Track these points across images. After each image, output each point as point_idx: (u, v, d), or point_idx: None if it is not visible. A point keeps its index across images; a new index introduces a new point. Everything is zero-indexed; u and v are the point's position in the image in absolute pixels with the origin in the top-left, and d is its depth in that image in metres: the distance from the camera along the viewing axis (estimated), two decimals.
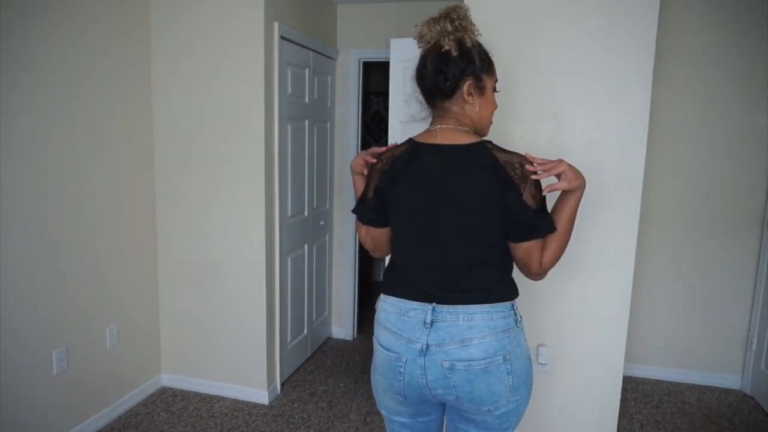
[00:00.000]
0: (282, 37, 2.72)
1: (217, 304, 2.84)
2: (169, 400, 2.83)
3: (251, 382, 2.84)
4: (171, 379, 2.97)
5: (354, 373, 3.22)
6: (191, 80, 2.69)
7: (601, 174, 1.95)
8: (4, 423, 2.06)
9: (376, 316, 1.35)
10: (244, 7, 2.56)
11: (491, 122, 1.31)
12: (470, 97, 1.23)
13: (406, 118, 2.62)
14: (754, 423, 2.74)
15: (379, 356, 1.31)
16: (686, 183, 3.05)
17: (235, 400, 2.84)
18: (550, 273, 1.29)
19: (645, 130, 1.92)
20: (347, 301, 3.76)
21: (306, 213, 3.24)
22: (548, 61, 1.96)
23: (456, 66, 1.20)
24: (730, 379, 3.11)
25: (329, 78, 3.46)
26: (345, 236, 3.71)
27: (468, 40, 1.21)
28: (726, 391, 3.06)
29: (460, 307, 1.21)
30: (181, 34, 2.67)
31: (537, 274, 1.25)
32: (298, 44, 2.93)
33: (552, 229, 1.21)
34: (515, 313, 1.26)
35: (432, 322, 1.22)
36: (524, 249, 1.21)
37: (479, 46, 1.24)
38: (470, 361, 1.19)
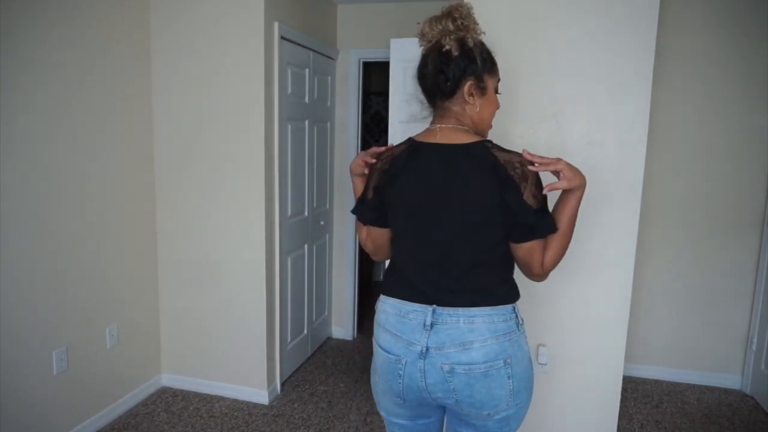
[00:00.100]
0: (282, 37, 2.72)
1: (217, 304, 2.84)
2: (169, 400, 2.83)
3: (251, 382, 2.84)
4: (171, 379, 2.97)
5: (354, 373, 3.22)
6: (191, 80, 2.69)
7: (601, 174, 1.95)
8: (4, 423, 2.06)
9: (376, 317, 1.34)
10: (244, 7, 2.56)
11: (491, 122, 1.30)
12: (471, 98, 1.22)
13: (407, 118, 2.63)
14: (754, 423, 2.74)
15: (379, 358, 1.30)
16: (686, 183, 3.05)
17: (235, 400, 2.84)
18: (550, 274, 1.28)
19: (645, 130, 1.92)
20: (347, 301, 3.76)
21: (306, 213, 3.24)
22: (548, 61, 1.96)
23: (457, 66, 1.19)
24: (730, 379, 3.11)
25: (329, 78, 3.46)
26: (345, 236, 3.71)
27: (470, 39, 1.20)
28: (726, 391, 3.06)
29: (460, 310, 1.20)
30: (181, 34, 2.67)
31: (539, 275, 1.24)
32: (298, 44, 2.93)
33: (553, 229, 1.20)
34: (517, 316, 1.25)
35: (432, 325, 1.21)
36: (525, 249, 1.20)
37: (482, 45, 1.23)
38: (471, 364, 1.18)
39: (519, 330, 1.24)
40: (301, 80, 3.02)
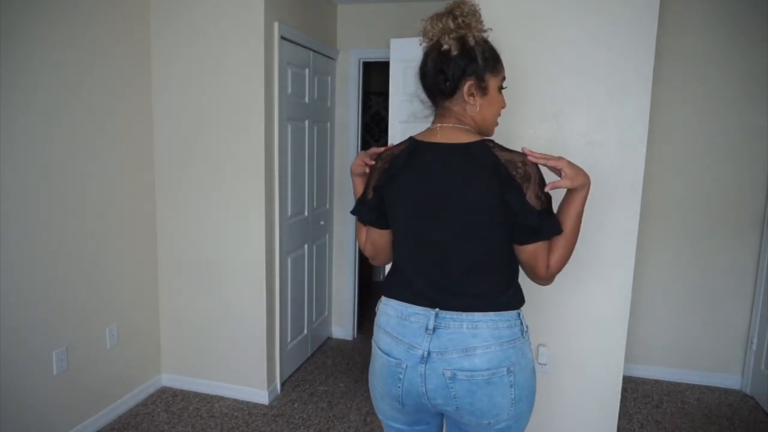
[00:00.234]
0: (282, 37, 2.72)
1: (217, 304, 2.84)
2: (169, 400, 2.83)
3: (251, 382, 2.84)
4: (171, 379, 2.97)
5: (354, 373, 3.22)
6: (191, 80, 2.69)
7: (601, 174, 1.95)
8: (4, 423, 2.06)
9: (376, 319, 1.31)
10: (244, 7, 2.56)
11: (496, 122, 1.27)
12: (471, 98, 1.19)
13: (407, 117, 2.63)
14: (754, 423, 2.74)
15: (378, 361, 1.28)
16: (686, 183, 3.05)
17: (235, 400, 2.84)
18: (556, 277, 1.25)
19: (645, 130, 1.92)
20: (347, 301, 3.76)
21: (306, 213, 3.24)
22: (548, 61, 1.96)
23: (456, 66, 1.16)
24: (730, 379, 3.11)
25: (329, 78, 3.46)
26: (345, 236, 3.71)
27: (471, 38, 1.16)
28: (726, 391, 3.06)
29: (464, 314, 1.17)
30: (181, 34, 2.67)
31: (544, 278, 1.20)
32: (298, 44, 2.93)
33: (558, 230, 1.17)
34: (521, 323, 1.22)
35: (434, 329, 1.18)
36: (529, 252, 1.17)
37: (484, 43, 1.19)
38: (473, 371, 1.15)
39: (523, 337, 1.21)
40: (301, 80, 3.02)
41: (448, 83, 1.19)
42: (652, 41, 1.87)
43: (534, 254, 1.17)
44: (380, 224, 1.32)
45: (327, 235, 3.61)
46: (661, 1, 1.95)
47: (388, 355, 1.24)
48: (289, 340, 3.09)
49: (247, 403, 2.82)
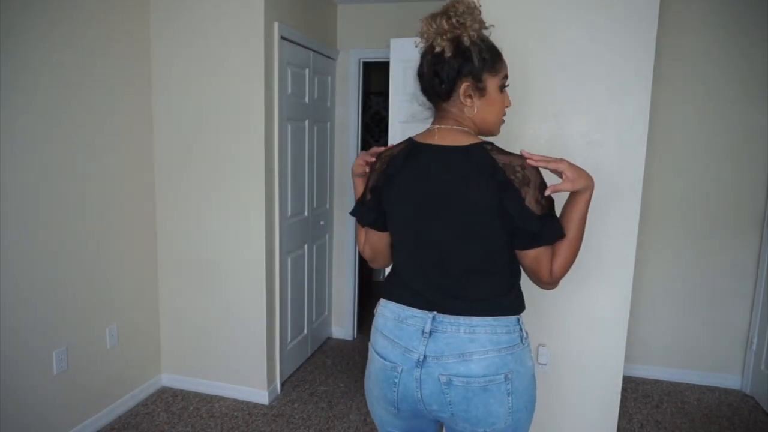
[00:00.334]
0: (282, 37, 2.72)
1: (217, 304, 2.84)
2: (169, 400, 2.83)
3: (251, 382, 2.84)
4: (171, 379, 2.97)
5: (354, 373, 3.22)
6: (191, 80, 2.69)
7: (601, 174, 1.95)
8: (4, 423, 2.06)
9: (374, 321, 1.29)
10: (244, 7, 2.56)
11: (499, 122, 1.22)
12: (468, 99, 1.15)
13: (407, 118, 2.63)
14: (754, 423, 2.74)
15: (374, 364, 1.25)
16: (686, 183, 3.05)
17: (235, 400, 2.84)
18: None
19: (645, 130, 1.92)
20: (347, 301, 3.76)
21: (306, 213, 3.24)
22: (548, 61, 1.96)
23: (450, 67, 1.13)
24: (730, 379, 3.11)
25: (329, 78, 3.46)
26: (345, 236, 3.71)
27: (466, 38, 1.11)
28: (726, 391, 3.06)
29: (462, 318, 1.14)
30: (181, 34, 2.67)
31: (548, 283, 1.16)
32: (298, 44, 2.93)
33: (560, 235, 1.13)
34: (521, 329, 1.19)
35: (431, 332, 1.15)
36: (532, 257, 1.14)
37: (482, 42, 1.15)
38: (469, 377, 1.12)
39: (523, 344, 1.18)
40: (301, 80, 3.02)
41: (443, 86, 1.16)
42: (652, 41, 1.87)
43: (536, 259, 1.14)
44: (378, 226, 1.30)
45: (327, 235, 3.61)
46: (661, 1, 1.95)
47: (384, 359, 1.22)
48: (289, 340, 3.09)
49: (247, 403, 2.82)
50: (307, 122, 3.16)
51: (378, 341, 1.25)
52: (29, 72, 2.08)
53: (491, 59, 1.16)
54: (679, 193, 3.07)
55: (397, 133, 2.73)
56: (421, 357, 1.15)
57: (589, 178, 1.15)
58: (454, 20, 1.11)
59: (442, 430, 1.35)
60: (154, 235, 2.85)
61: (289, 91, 2.88)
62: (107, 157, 2.49)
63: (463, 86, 1.14)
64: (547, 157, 1.13)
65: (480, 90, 1.16)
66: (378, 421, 1.32)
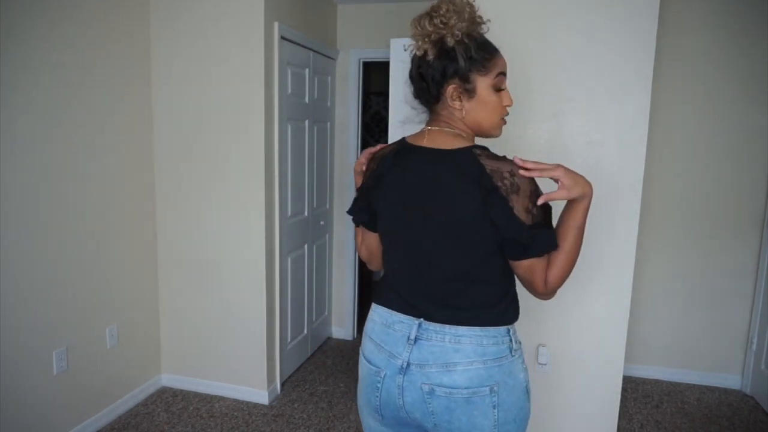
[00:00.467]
0: (282, 37, 2.72)
1: (217, 304, 2.84)
2: (169, 400, 2.83)
3: (251, 382, 2.84)
4: (171, 379, 2.97)
5: (354, 373, 3.22)
6: (191, 80, 2.69)
7: (601, 174, 1.95)
8: (4, 423, 2.06)
9: (365, 326, 1.27)
10: (244, 7, 2.56)
11: (496, 123, 1.15)
12: (457, 102, 1.10)
13: (404, 119, 2.63)
14: (754, 423, 2.74)
15: (361, 369, 1.23)
16: (686, 183, 3.05)
17: (235, 400, 2.84)
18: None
19: (645, 130, 1.92)
20: (347, 301, 3.76)
21: (306, 213, 3.24)
22: (548, 61, 1.96)
23: (435, 70, 1.09)
24: (730, 379, 3.11)
25: (329, 78, 3.46)
26: (345, 236, 3.71)
27: (449, 38, 1.05)
28: (726, 391, 3.06)
29: (447, 327, 1.10)
30: (181, 34, 2.67)
31: (543, 293, 1.11)
32: (298, 44, 2.93)
33: (551, 247, 1.07)
34: (511, 339, 1.13)
35: (416, 339, 1.12)
36: (525, 267, 1.08)
37: (470, 40, 1.07)
38: (452, 388, 1.08)
39: (512, 355, 1.12)
40: (301, 80, 3.02)
41: (430, 89, 1.11)
42: (652, 41, 1.87)
43: (530, 269, 1.08)
44: (371, 226, 1.28)
45: (327, 235, 3.61)
46: (661, 1, 1.95)
47: (370, 363, 1.19)
48: (289, 340, 3.09)
49: (247, 403, 2.82)
50: (307, 122, 3.16)
51: (366, 345, 1.23)
52: (29, 72, 2.08)
53: (480, 58, 1.08)
54: (679, 193, 3.07)
55: (397, 133, 2.73)
56: (405, 364, 1.12)
57: (588, 185, 1.08)
58: (436, 20, 1.06)
59: None
60: (154, 235, 2.85)
61: (289, 91, 2.88)
62: (107, 157, 2.49)
63: (450, 88, 1.09)
64: (541, 163, 1.05)
65: (469, 91, 1.09)
66: (366, 429, 1.29)
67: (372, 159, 1.27)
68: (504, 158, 1.07)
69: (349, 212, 1.33)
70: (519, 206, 1.03)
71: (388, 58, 2.78)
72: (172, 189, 2.81)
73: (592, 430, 2.10)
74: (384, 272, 1.27)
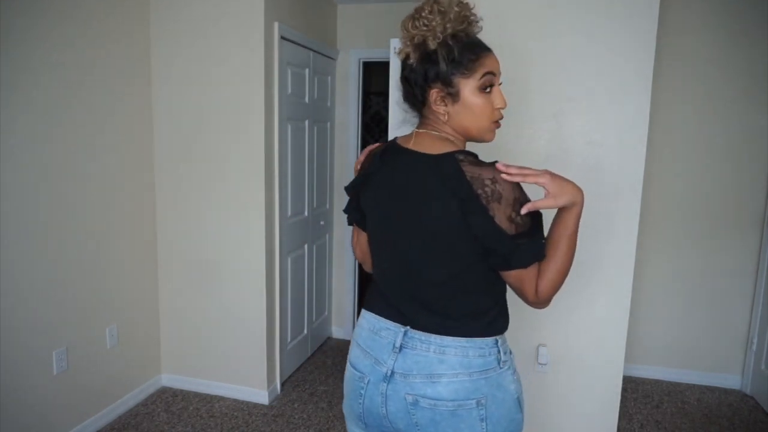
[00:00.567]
0: (282, 37, 2.72)
1: (217, 303, 2.84)
2: (169, 400, 2.83)
3: (251, 382, 2.84)
4: (171, 379, 2.97)
5: None
6: (191, 80, 2.69)
7: (601, 174, 1.95)
8: (4, 423, 2.06)
9: (353, 331, 1.25)
10: (244, 7, 2.56)
11: (485, 127, 1.08)
12: (441, 107, 1.05)
13: (403, 119, 2.63)
14: (754, 423, 2.74)
15: (346, 374, 1.21)
16: (686, 183, 3.05)
17: (235, 400, 2.84)
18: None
19: (645, 130, 1.92)
20: (347, 301, 3.76)
21: (306, 213, 3.24)
22: (548, 61, 1.96)
23: (417, 74, 1.05)
24: (730, 379, 3.11)
25: (329, 78, 3.46)
26: (345, 236, 3.71)
27: (431, 40, 1.01)
28: (726, 391, 3.06)
29: (433, 337, 1.06)
30: (181, 34, 2.67)
31: (534, 303, 1.06)
32: (298, 44, 2.93)
33: (536, 258, 1.01)
34: (499, 351, 1.08)
35: (401, 347, 1.09)
36: (514, 277, 1.03)
37: (455, 41, 1.02)
38: (436, 400, 1.04)
39: (501, 366, 1.07)
40: (301, 80, 3.02)
41: (415, 94, 1.08)
42: (652, 41, 1.87)
43: (519, 279, 1.03)
44: (363, 225, 1.26)
45: (327, 235, 3.61)
46: (661, 1, 1.95)
47: (354, 368, 1.17)
48: (289, 340, 3.09)
49: (247, 403, 2.82)
50: (307, 122, 3.16)
51: (352, 350, 1.21)
52: (29, 72, 2.08)
53: (464, 60, 1.02)
54: (679, 193, 3.07)
55: (396, 134, 2.72)
56: (389, 372, 1.09)
57: (577, 192, 1.01)
58: (419, 23, 1.02)
59: None
60: (154, 235, 2.85)
61: (289, 91, 2.88)
62: (107, 157, 2.49)
63: (433, 93, 1.05)
64: (525, 169, 0.99)
65: (452, 95, 1.04)
66: None
67: (366, 157, 1.25)
68: (488, 164, 1.01)
69: (345, 210, 1.32)
70: (500, 215, 0.98)
71: (388, 58, 2.78)
72: (172, 189, 2.81)
73: (592, 430, 2.10)
74: (373, 276, 1.24)
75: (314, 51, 3.15)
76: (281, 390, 2.98)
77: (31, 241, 2.13)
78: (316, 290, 3.48)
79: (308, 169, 3.22)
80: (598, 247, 1.98)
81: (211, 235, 2.79)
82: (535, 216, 1.01)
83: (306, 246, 3.26)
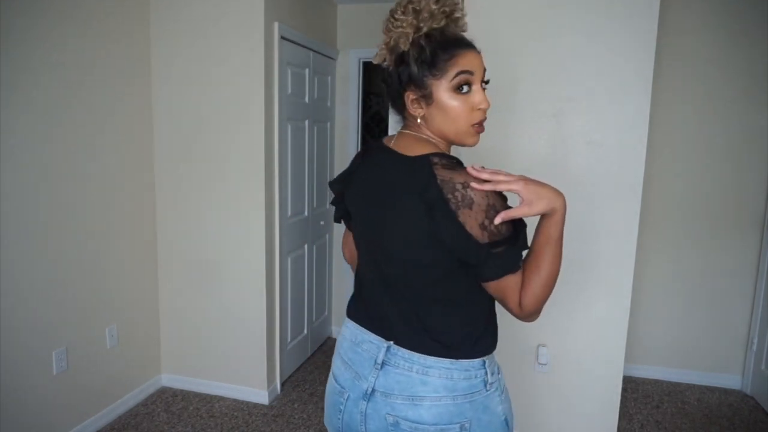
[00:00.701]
0: (282, 37, 2.72)
1: (217, 303, 2.84)
2: (169, 400, 2.83)
3: (251, 382, 2.84)
4: (171, 379, 2.97)
5: None
6: (191, 80, 2.69)
7: (601, 174, 1.96)
8: (4, 423, 2.06)
9: (337, 339, 1.20)
10: (244, 7, 2.56)
11: (463, 131, 1.00)
12: (418, 110, 1.00)
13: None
14: (754, 423, 2.74)
15: (328, 385, 1.17)
16: (686, 183, 3.05)
17: (235, 400, 2.84)
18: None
19: (645, 130, 1.92)
20: (347, 301, 3.75)
21: (306, 213, 3.24)
22: (548, 61, 1.96)
23: (393, 79, 1.01)
24: (730, 379, 3.11)
25: (329, 78, 3.46)
26: None
27: (403, 42, 0.96)
28: (726, 391, 3.06)
29: (416, 355, 1.00)
30: (181, 34, 2.67)
31: (519, 316, 0.96)
32: (298, 44, 2.93)
33: (510, 269, 0.92)
34: (486, 372, 1.02)
35: (383, 364, 1.03)
36: (494, 288, 0.95)
37: (428, 41, 0.96)
38: (418, 423, 0.99)
39: (487, 389, 1.01)
40: (301, 80, 3.02)
41: (394, 99, 1.04)
42: (652, 41, 1.87)
43: (499, 290, 0.95)
44: (349, 226, 1.22)
45: (327, 235, 3.61)
46: (661, 1, 1.95)
47: (336, 381, 1.12)
48: (289, 340, 3.09)
49: (247, 403, 2.82)
50: (307, 122, 3.16)
51: (335, 361, 1.16)
52: (29, 72, 2.08)
53: (436, 60, 0.95)
54: (679, 193, 3.07)
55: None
56: (370, 389, 1.03)
57: (557, 198, 0.92)
58: (392, 24, 0.98)
59: None
60: (154, 235, 2.85)
61: (289, 90, 2.88)
62: (107, 157, 2.49)
63: (408, 96, 0.99)
64: (499, 173, 0.91)
65: (426, 97, 0.98)
66: None
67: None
68: (460, 168, 0.95)
69: (333, 203, 1.27)
70: (471, 222, 0.90)
71: None
72: (172, 189, 2.81)
73: (592, 430, 2.10)
74: (354, 280, 1.19)
75: (314, 51, 3.15)
76: (281, 390, 2.98)
77: (31, 241, 2.13)
78: (316, 290, 3.48)
79: (308, 169, 3.22)
80: (598, 247, 1.98)
81: (211, 235, 2.79)
82: (517, 224, 0.94)
83: (306, 246, 3.26)
